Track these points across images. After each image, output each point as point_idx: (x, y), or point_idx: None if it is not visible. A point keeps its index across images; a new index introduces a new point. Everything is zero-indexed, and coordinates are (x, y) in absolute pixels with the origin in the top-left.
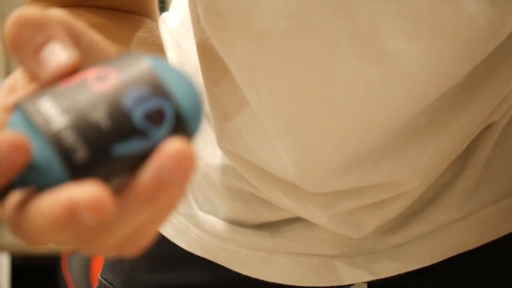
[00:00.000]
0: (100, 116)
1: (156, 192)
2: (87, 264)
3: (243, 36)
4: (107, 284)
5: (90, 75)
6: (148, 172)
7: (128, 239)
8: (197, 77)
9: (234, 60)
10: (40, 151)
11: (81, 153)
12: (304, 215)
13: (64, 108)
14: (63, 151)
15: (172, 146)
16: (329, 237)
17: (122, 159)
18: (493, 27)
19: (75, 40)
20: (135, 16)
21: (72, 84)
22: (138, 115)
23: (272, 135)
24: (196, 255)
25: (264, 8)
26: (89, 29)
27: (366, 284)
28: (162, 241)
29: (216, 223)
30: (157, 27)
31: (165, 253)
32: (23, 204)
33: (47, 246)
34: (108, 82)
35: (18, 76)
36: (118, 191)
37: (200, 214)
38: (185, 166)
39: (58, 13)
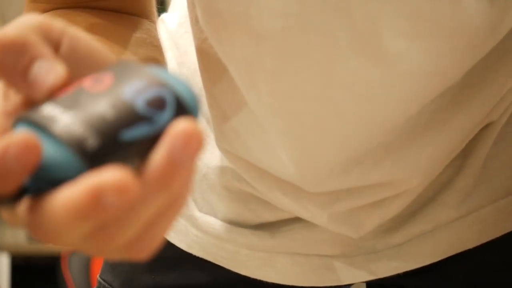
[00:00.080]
0: (103, 108)
1: (170, 173)
2: (87, 264)
3: (242, 36)
4: (106, 285)
5: (85, 81)
6: (160, 153)
7: (140, 237)
8: (196, 78)
9: (233, 60)
10: (51, 149)
11: (91, 141)
12: (303, 215)
13: (67, 108)
14: (74, 142)
15: (179, 126)
16: (328, 237)
17: (132, 145)
18: (491, 26)
19: (57, 41)
20: (133, 17)
21: (69, 91)
22: (140, 103)
23: (272, 135)
24: (195, 256)
25: (263, 7)
26: (86, 34)
27: (365, 284)
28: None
29: (215, 223)
30: (155, 29)
31: (164, 254)
32: (39, 202)
33: (47, 246)
34: (105, 83)
35: None
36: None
37: (199, 214)
38: (194, 143)
39: (33, 20)
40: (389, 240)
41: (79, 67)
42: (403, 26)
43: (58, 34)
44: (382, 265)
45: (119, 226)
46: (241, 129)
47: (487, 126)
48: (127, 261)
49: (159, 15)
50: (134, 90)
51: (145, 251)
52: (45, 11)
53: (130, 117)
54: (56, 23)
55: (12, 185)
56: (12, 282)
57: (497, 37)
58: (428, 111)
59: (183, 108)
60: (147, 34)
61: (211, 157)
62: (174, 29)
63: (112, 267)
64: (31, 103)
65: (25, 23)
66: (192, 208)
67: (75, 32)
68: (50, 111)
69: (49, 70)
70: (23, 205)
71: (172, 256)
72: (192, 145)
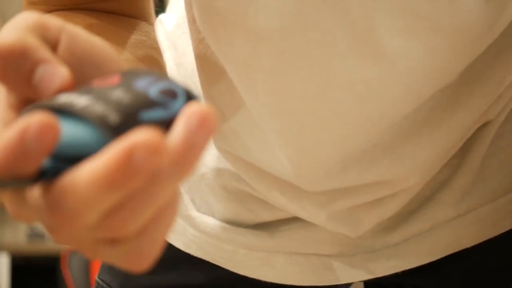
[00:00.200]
0: (118, 95)
1: (186, 149)
2: (87, 264)
3: (239, 35)
4: (105, 285)
5: (93, 82)
6: (177, 131)
7: (143, 236)
8: (194, 78)
9: (230, 59)
10: (72, 127)
11: (113, 117)
12: (302, 214)
13: (83, 94)
14: (96, 118)
15: (193, 107)
16: (327, 236)
17: (151, 125)
18: (488, 24)
19: (55, 39)
20: (132, 19)
21: (77, 90)
22: (153, 92)
23: (270, 134)
24: (193, 256)
25: (261, 6)
26: (88, 33)
27: (362, 283)
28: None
29: (213, 223)
30: (154, 31)
31: (162, 254)
32: (57, 182)
33: (47, 246)
34: (114, 80)
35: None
36: None
37: (197, 214)
38: (208, 123)
39: (30, 20)
40: (388, 239)
41: (80, 64)
42: (400, 24)
43: (56, 32)
44: (381, 264)
45: (135, 207)
46: (240, 130)
47: (485, 125)
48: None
49: (157, 16)
50: (146, 83)
51: (145, 258)
52: (43, 13)
53: (145, 102)
54: (53, 20)
55: (31, 167)
56: (12, 282)
57: (494, 34)
58: (426, 109)
59: (193, 99)
60: (146, 36)
61: (209, 157)
62: (172, 30)
63: (110, 267)
64: (34, 100)
65: (22, 25)
66: (190, 208)
67: (73, 29)
68: (65, 97)
69: (53, 74)
70: (36, 191)
71: (170, 256)
72: (206, 125)
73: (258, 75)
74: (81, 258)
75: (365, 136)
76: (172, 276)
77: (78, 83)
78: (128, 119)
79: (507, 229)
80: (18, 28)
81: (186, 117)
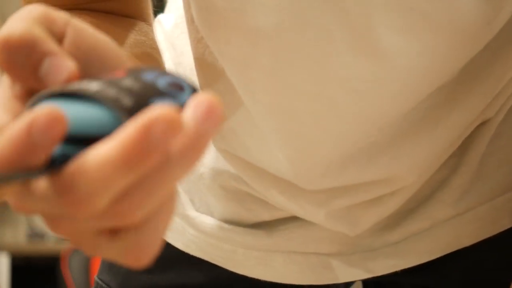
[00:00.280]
0: (129, 83)
1: (197, 136)
2: (87, 264)
3: (237, 34)
4: (104, 285)
5: (99, 76)
6: (186, 118)
7: (143, 234)
8: (193, 78)
9: (228, 58)
10: (86, 109)
11: (126, 101)
12: (300, 213)
13: (93, 81)
14: (110, 100)
15: (201, 96)
16: (325, 235)
17: None
18: (485, 21)
19: (61, 32)
20: (130, 19)
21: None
22: (161, 84)
23: (268, 133)
24: (192, 256)
25: (258, 4)
26: (93, 28)
27: (361, 282)
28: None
29: (212, 223)
30: (152, 31)
31: (161, 253)
32: (68, 167)
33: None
34: (120, 73)
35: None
36: None
37: (195, 214)
38: (216, 111)
39: (36, 12)
40: (386, 238)
41: (85, 58)
42: (398, 22)
43: (62, 25)
44: (379, 263)
45: (144, 191)
46: (238, 129)
47: (483, 124)
48: (127, 266)
49: (155, 16)
50: (153, 76)
51: (145, 253)
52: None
53: (155, 92)
54: (60, 14)
55: (41, 157)
56: (12, 282)
57: (492, 32)
58: (423, 107)
59: (198, 93)
60: (145, 36)
61: (208, 157)
62: (170, 30)
63: (110, 267)
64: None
65: (29, 17)
66: (189, 208)
67: (79, 23)
68: (75, 84)
69: (59, 66)
70: (42, 179)
71: (169, 256)
72: (214, 114)
73: (256, 73)
74: (81, 258)
75: (363, 134)
76: (171, 276)
77: (83, 77)
78: (141, 104)
79: (506, 227)
80: (26, 20)
81: (195, 106)
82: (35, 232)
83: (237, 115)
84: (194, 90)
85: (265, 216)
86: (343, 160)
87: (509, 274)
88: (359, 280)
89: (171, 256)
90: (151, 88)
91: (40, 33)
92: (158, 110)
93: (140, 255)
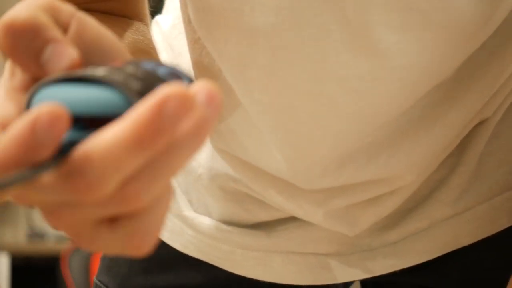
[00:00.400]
0: (131, 70)
1: (203, 118)
2: (87, 264)
3: (235, 33)
4: (103, 286)
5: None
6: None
7: (145, 220)
8: None
9: (226, 58)
10: (95, 92)
11: (134, 84)
12: (299, 213)
13: (97, 68)
14: (120, 83)
15: (200, 84)
16: (324, 235)
17: None
18: (483, 19)
19: (66, 23)
20: (127, 19)
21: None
22: (161, 72)
23: (266, 133)
24: (190, 256)
25: (256, 3)
26: (97, 22)
27: (359, 282)
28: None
29: (210, 223)
30: (149, 31)
31: (159, 254)
32: (76, 152)
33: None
34: (119, 63)
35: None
36: None
37: (194, 215)
38: (216, 98)
39: (43, 0)
40: (385, 238)
41: (88, 51)
42: (395, 20)
43: (67, 16)
44: (378, 263)
45: (151, 175)
46: (236, 129)
47: (481, 123)
48: (125, 257)
49: (153, 18)
50: (152, 65)
51: (146, 241)
52: None
53: (156, 79)
54: (66, 6)
55: (45, 154)
56: (12, 282)
57: (489, 31)
58: (422, 105)
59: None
60: (143, 36)
61: (206, 157)
62: (168, 31)
63: (108, 268)
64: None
65: (35, 4)
66: (187, 209)
67: (84, 16)
68: (80, 70)
69: (62, 53)
70: (48, 173)
71: (167, 257)
72: (214, 100)
73: (254, 73)
74: (81, 258)
75: (360, 133)
76: (170, 277)
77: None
78: (148, 88)
79: (505, 227)
80: (32, 6)
81: (197, 91)
82: (35, 232)
83: (235, 116)
84: (191, 81)
85: (264, 216)
86: (341, 160)
87: (508, 273)
88: (358, 280)
89: (170, 257)
90: (152, 75)
91: (44, 20)
92: (170, 88)
93: (140, 243)
